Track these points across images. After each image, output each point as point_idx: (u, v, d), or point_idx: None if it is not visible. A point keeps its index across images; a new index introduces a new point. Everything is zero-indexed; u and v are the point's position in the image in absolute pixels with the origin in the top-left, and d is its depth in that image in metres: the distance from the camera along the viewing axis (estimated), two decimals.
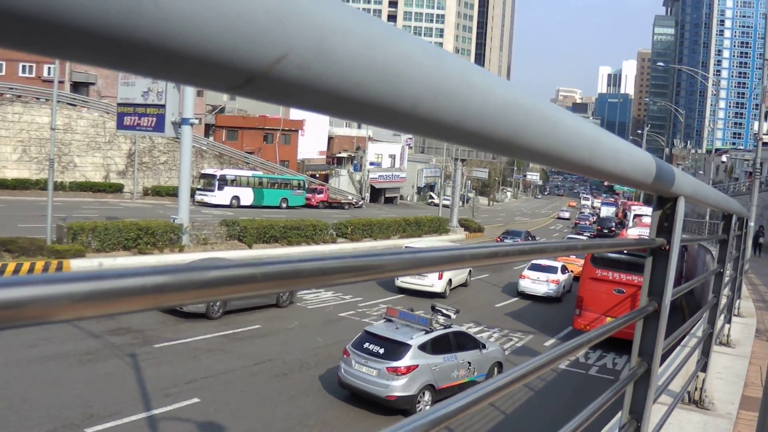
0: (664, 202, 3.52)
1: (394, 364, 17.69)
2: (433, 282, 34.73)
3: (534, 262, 38.10)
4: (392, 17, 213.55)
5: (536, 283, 37.63)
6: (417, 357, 18.05)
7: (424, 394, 18.14)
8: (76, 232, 32.03)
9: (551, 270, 38.31)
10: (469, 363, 19.81)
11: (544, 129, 1.47)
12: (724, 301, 8.10)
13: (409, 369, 17.75)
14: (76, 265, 30.00)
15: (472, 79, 1.12)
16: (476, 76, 1.15)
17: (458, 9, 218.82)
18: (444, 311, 20.91)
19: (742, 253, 9.63)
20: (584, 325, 27.13)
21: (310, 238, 45.45)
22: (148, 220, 36.36)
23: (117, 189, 67.15)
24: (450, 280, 36.42)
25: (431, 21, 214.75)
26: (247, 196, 70.14)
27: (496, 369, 21.23)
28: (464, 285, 39.49)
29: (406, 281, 34.57)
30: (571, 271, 40.48)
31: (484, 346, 20.82)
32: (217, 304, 24.66)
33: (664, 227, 3.29)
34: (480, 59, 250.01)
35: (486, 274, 44.57)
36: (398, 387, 17.55)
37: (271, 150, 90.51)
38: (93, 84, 76.06)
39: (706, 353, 6.59)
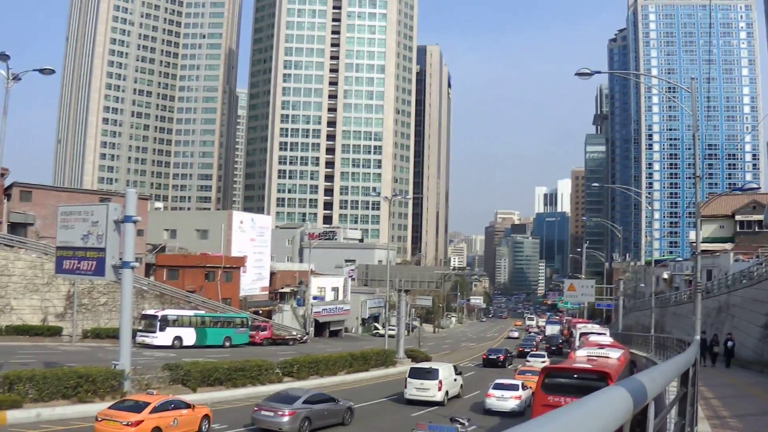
0: None
1: None
2: (434, 393, 41.78)
3: (497, 381, 42.77)
4: (331, 150, 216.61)
5: (501, 400, 40.12)
6: None
7: None
8: (13, 381, 30.80)
9: (513, 388, 41.26)
10: None
11: None
12: None
13: None
14: (12, 416, 28.87)
15: None
16: None
17: (395, 140, 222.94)
18: (460, 420, 27.19)
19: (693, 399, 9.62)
20: None
21: (256, 378, 44.32)
22: (88, 367, 35.27)
23: (55, 332, 65.29)
24: (447, 392, 42.98)
25: (369, 152, 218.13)
26: (189, 336, 68.91)
27: None
28: (458, 396, 45.74)
29: (413, 394, 42.14)
30: (530, 387, 41.11)
31: None
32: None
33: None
34: (418, 187, 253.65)
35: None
36: None
37: (213, 288, 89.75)
38: (31, 225, 75.41)
39: None
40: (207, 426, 30.44)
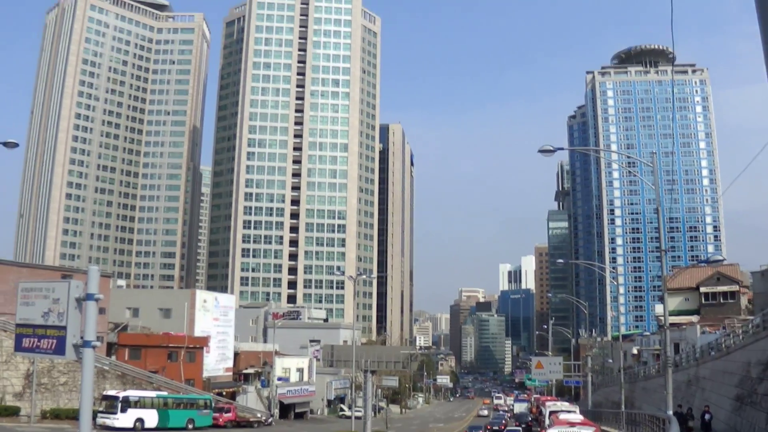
0: None
1: None
2: None
3: None
4: (294, 228, 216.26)
5: None
6: None
7: None
8: None
9: None
10: None
11: None
12: None
13: None
14: None
15: None
16: None
17: (359, 218, 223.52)
18: None
19: None
20: None
21: None
22: None
23: (13, 412, 63.21)
24: None
25: (333, 230, 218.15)
26: (151, 417, 67.01)
27: None
28: None
29: None
30: None
31: None
32: None
33: None
34: (382, 266, 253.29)
35: None
36: None
37: (176, 368, 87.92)
38: None
39: None
40: None
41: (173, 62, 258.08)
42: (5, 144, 46.09)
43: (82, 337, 40.87)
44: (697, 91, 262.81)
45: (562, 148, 38.46)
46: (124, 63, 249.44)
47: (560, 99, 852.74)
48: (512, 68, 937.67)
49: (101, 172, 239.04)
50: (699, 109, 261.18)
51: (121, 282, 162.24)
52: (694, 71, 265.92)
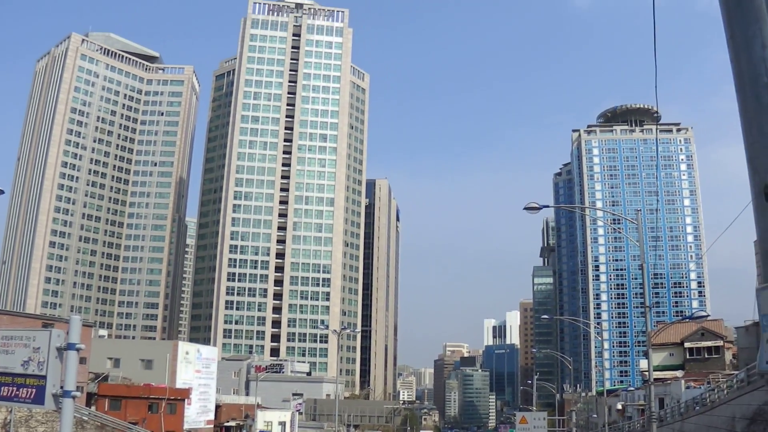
0: None
1: None
2: None
3: None
4: (279, 282, 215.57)
5: None
6: None
7: None
8: None
9: None
10: None
11: None
12: None
13: None
14: None
15: None
16: None
17: (344, 272, 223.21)
18: None
19: None
20: None
21: None
22: None
23: None
24: None
25: (318, 284, 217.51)
26: None
27: None
28: None
29: None
30: None
31: None
32: None
33: None
34: (366, 320, 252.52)
35: None
36: None
37: (156, 420, 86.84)
38: None
39: None
40: None
41: (162, 113, 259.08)
42: None
43: (62, 387, 40.31)
44: (681, 149, 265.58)
45: (547, 206, 38.62)
46: (113, 113, 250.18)
47: (547, 156, 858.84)
48: (501, 125, 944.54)
49: (86, 221, 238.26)
50: (683, 166, 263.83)
51: (103, 332, 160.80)
52: (678, 130, 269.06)
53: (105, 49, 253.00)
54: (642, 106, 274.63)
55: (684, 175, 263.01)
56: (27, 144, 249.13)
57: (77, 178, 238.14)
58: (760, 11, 6.38)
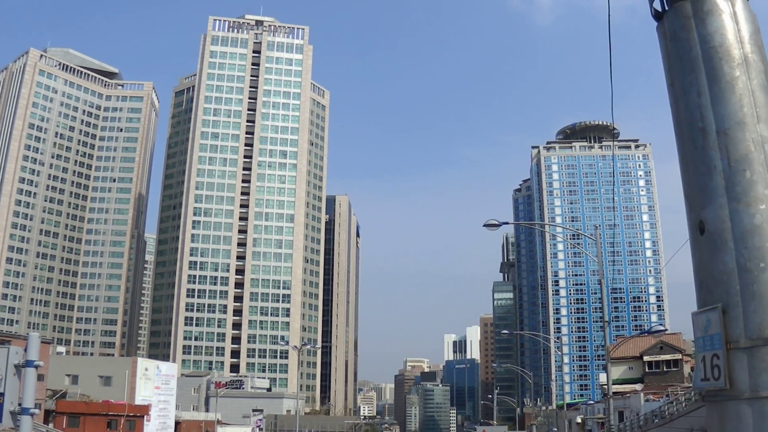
0: None
1: None
2: None
3: None
4: (239, 298, 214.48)
5: None
6: None
7: None
8: None
9: None
10: None
11: None
12: None
13: None
14: None
15: None
16: None
17: (304, 288, 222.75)
18: None
19: None
20: None
21: None
22: None
23: None
24: None
25: (277, 300, 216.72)
26: None
27: None
28: None
29: None
30: None
31: None
32: None
33: None
34: (327, 336, 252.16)
35: None
36: None
37: None
38: None
39: None
40: None
41: (121, 129, 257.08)
42: None
43: (20, 404, 39.85)
44: (640, 165, 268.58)
45: (507, 223, 39.02)
46: (71, 129, 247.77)
47: (507, 173, 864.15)
48: (461, 143, 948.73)
49: (43, 237, 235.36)
50: (642, 183, 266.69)
51: (61, 348, 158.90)
52: (637, 146, 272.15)
53: (64, 64, 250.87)
54: (601, 122, 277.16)
55: (642, 190, 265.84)
56: None
57: (35, 194, 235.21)
58: (697, 62, 6.84)
